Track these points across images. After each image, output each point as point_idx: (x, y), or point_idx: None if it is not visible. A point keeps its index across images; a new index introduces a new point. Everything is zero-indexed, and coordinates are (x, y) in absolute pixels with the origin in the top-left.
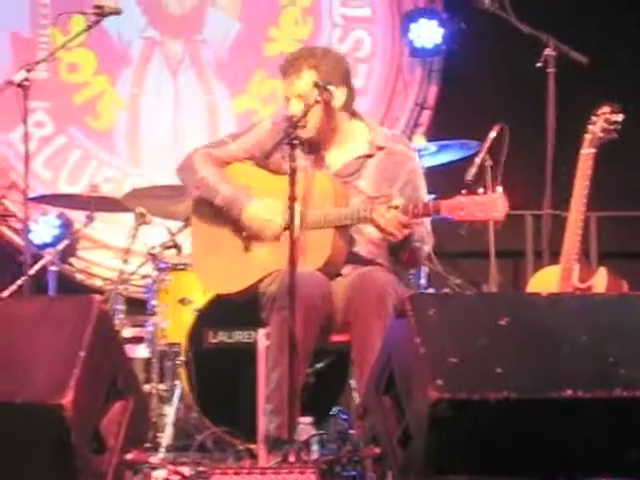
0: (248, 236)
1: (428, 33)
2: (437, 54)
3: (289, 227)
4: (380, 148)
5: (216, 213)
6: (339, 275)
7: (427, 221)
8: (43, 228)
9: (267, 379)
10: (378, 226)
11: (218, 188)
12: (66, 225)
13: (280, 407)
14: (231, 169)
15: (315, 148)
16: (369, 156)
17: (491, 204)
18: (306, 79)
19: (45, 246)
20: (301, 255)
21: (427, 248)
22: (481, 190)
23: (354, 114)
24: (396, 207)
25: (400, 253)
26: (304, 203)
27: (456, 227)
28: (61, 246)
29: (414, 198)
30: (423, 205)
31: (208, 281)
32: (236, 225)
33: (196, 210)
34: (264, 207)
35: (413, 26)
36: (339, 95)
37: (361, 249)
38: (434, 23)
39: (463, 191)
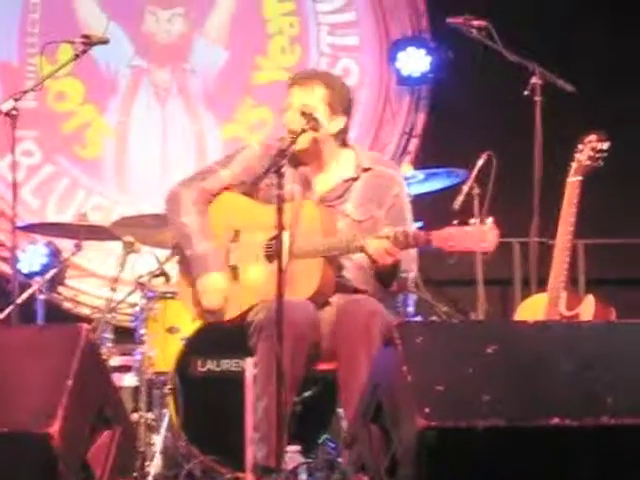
0: (234, 265)
1: (416, 61)
2: (424, 82)
3: (277, 256)
4: (365, 170)
5: None
6: (327, 304)
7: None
8: (31, 257)
9: (254, 408)
10: (367, 253)
11: (193, 242)
12: (54, 254)
13: (267, 436)
14: (220, 200)
15: (302, 172)
16: (355, 179)
17: (480, 235)
18: (317, 93)
19: (33, 275)
20: (290, 284)
21: (412, 275)
22: (472, 220)
23: (345, 143)
24: (387, 237)
25: (388, 283)
26: (292, 232)
27: (444, 255)
28: (49, 275)
29: (399, 223)
30: (413, 236)
31: (198, 310)
32: (224, 254)
33: None
34: (221, 283)
35: (401, 55)
36: (338, 122)
37: (349, 276)
38: (422, 52)
39: (454, 221)
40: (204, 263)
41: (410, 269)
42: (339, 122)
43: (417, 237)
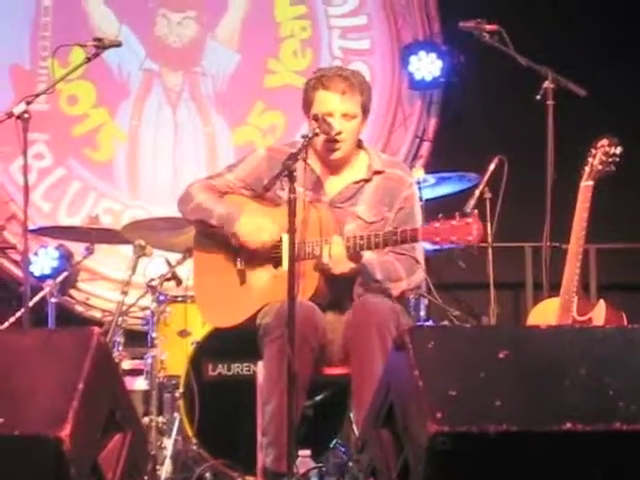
0: (241, 269)
1: (427, 66)
2: (436, 87)
3: (289, 258)
4: (377, 172)
5: (215, 244)
6: (340, 310)
7: (420, 251)
8: (43, 260)
9: (262, 412)
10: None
11: (213, 208)
12: (65, 257)
13: (276, 440)
14: (227, 201)
15: (313, 175)
16: (366, 181)
17: (465, 228)
18: (357, 101)
19: (45, 278)
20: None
21: (400, 285)
22: (457, 214)
23: (359, 144)
24: (347, 240)
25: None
26: (299, 235)
27: (455, 258)
28: (60, 278)
29: (408, 225)
30: (401, 232)
31: (209, 314)
32: (232, 256)
33: (197, 242)
34: (255, 220)
35: (413, 59)
36: (361, 125)
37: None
38: (433, 56)
39: (440, 215)
40: (230, 217)
41: (396, 278)
42: (362, 125)
43: (404, 234)
